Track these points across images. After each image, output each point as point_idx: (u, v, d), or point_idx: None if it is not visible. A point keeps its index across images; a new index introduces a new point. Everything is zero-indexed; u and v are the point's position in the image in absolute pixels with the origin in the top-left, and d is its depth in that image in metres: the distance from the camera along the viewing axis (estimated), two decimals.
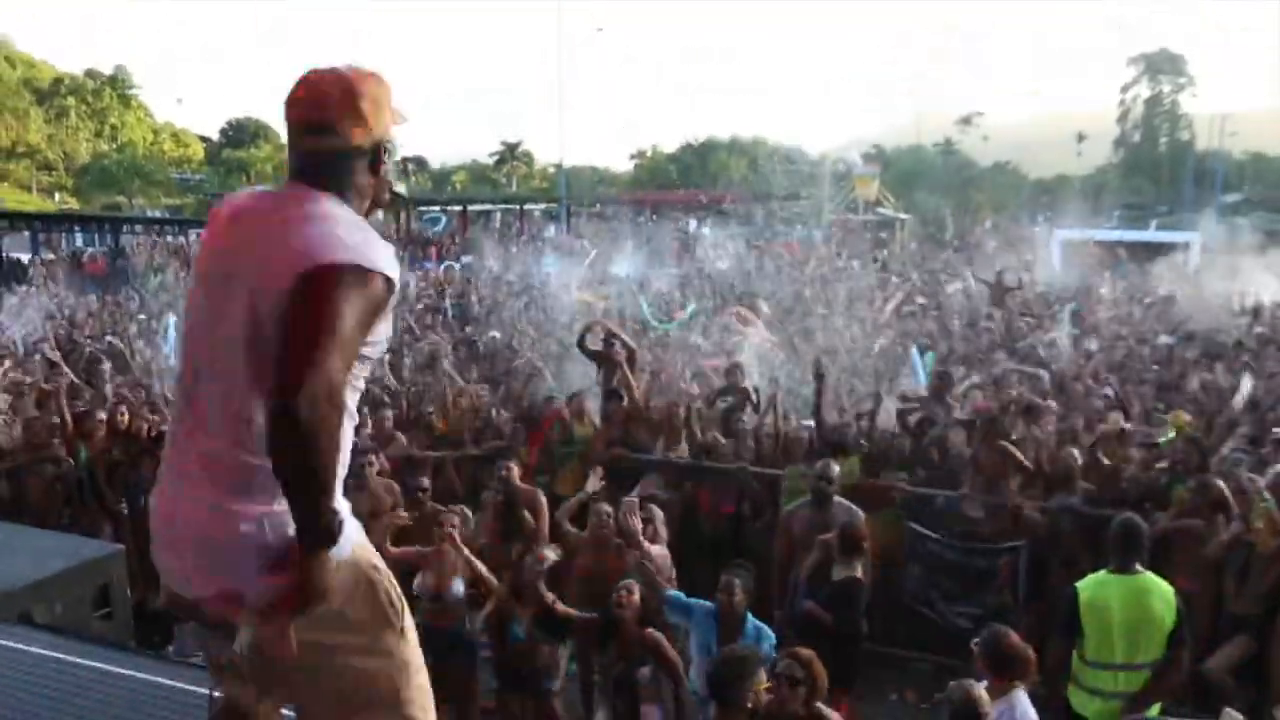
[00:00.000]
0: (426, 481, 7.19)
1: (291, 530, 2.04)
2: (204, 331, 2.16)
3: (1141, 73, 72.41)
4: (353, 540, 2.19)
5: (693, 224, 43.12)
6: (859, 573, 5.98)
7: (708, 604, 5.48)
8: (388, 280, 2.09)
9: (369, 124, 2.18)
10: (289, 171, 2.23)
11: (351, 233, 2.08)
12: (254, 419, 2.04)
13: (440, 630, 5.85)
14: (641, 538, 5.89)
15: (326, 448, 1.94)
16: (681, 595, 5.64)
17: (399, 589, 2.33)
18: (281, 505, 2.04)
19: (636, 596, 5.36)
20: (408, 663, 2.34)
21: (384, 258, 2.10)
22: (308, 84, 2.20)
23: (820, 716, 4.50)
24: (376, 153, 2.22)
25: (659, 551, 6.13)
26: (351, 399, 2.14)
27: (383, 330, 2.17)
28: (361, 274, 2.04)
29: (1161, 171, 65.10)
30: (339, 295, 1.99)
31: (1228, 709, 4.23)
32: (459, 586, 5.99)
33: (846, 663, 5.59)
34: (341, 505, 2.12)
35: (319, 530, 2.01)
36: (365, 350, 2.12)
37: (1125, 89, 72.90)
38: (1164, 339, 12.17)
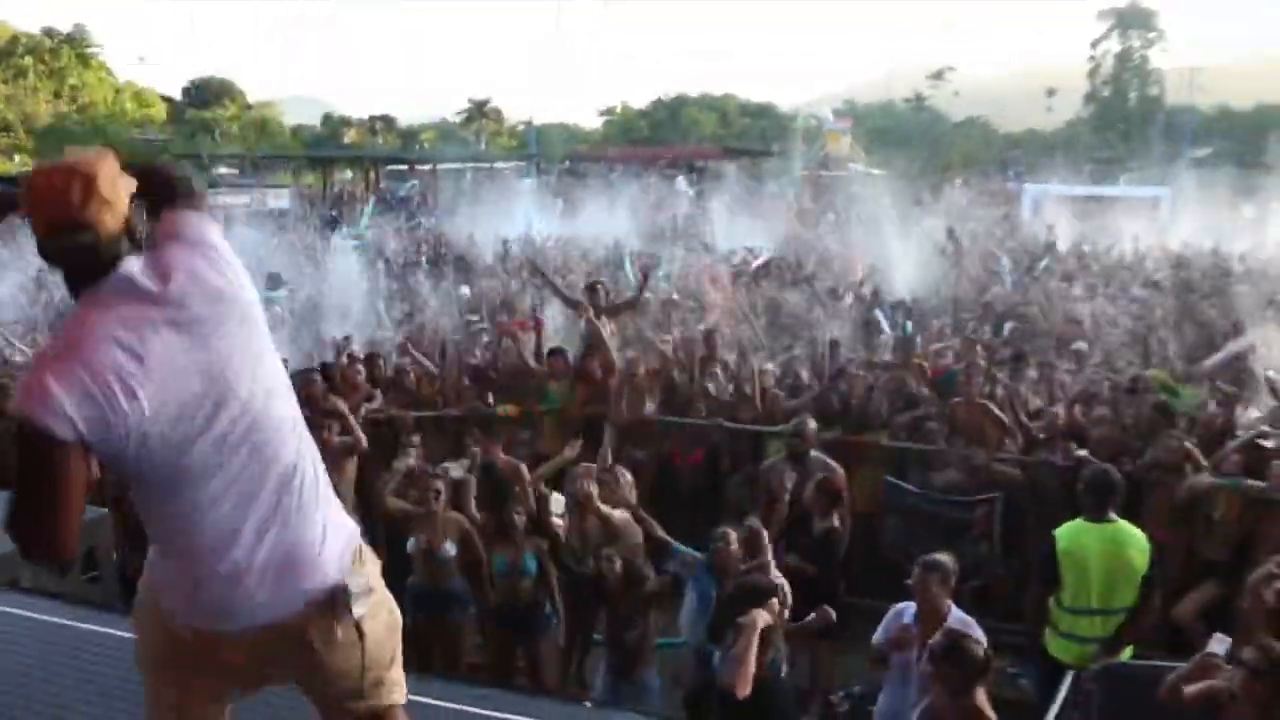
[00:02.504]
0: (417, 439, 7.25)
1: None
2: None
3: (1112, 27, 72.14)
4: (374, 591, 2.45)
5: (680, 181, 42.99)
6: (837, 523, 6.11)
7: (699, 555, 5.56)
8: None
9: (114, 206, 2.13)
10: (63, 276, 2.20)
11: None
12: None
13: (432, 589, 5.92)
14: (598, 502, 5.93)
15: None
16: (683, 547, 5.71)
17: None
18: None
19: (618, 565, 5.44)
20: (390, 625, 2.56)
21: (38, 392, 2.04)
22: (42, 187, 2.12)
23: None
24: (129, 227, 2.17)
25: (621, 516, 6.13)
26: None
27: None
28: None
29: (1131, 126, 65.21)
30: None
31: (1217, 633, 4.33)
32: (450, 547, 6.05)
33: None
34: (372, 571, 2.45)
35: None
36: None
37: (1095, 44, 72.72)
38: (1137, 292, 12.35)
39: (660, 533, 5.80)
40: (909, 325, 10.48)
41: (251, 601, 2.26)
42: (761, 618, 4.32)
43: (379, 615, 2.46)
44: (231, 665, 2.40)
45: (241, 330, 2.22)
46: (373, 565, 2.47)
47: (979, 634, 4.45)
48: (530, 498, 6.94)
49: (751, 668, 4.21)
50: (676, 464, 8.08)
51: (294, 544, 2.28)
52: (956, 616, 4.74)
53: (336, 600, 2.31)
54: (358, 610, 2.34)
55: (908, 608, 4.93)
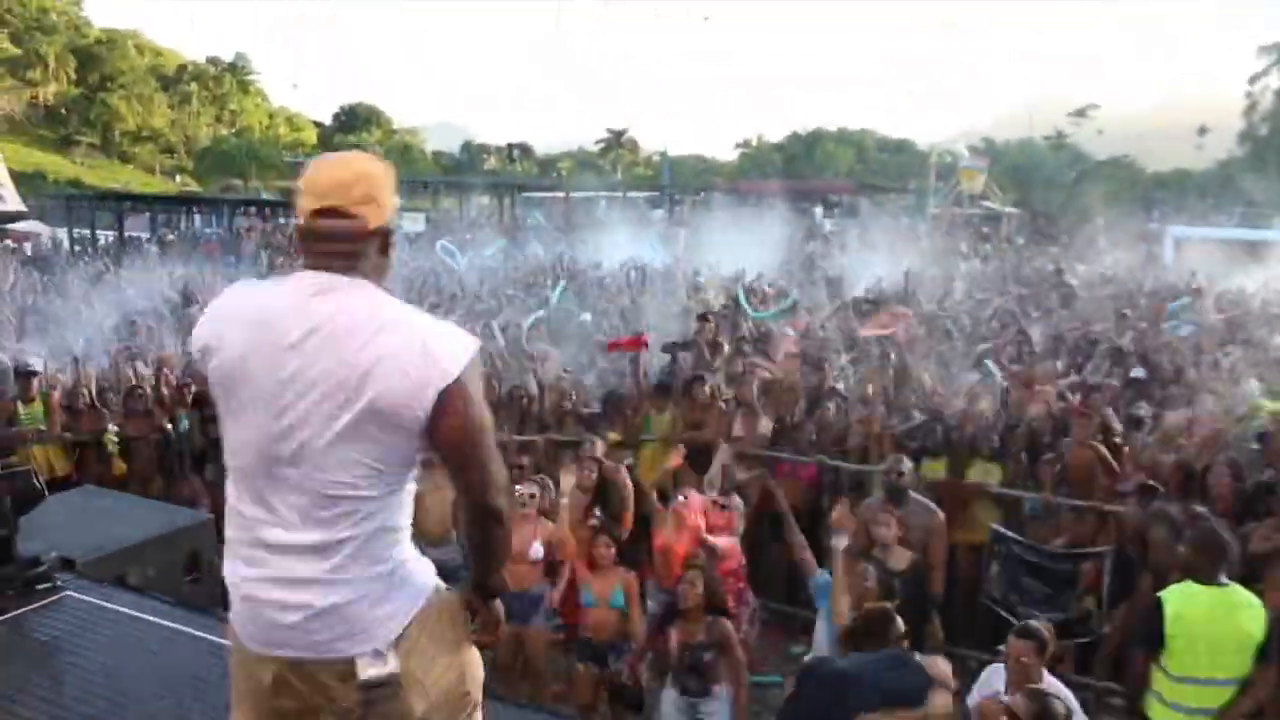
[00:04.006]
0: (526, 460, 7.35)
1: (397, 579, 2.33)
2: (282, 438, 2.22)
3: (1273, 63, 68.97)
4: (431, 581, 2.46)
5: (818, 213, 43.00)
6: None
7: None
8: (479, 346, 2.29)
9: (382, 209, 2.31)
10: (306, 257, 2.31)
11: (438, 326, 2.27)
12: (357, 504, 2.24)
13: (519, 592, 5.96)
14: (706, 534, 5.96)
15: (509, 538, 2.50)
16: (828, 575, 5.69)
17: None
18: (386, 564, 2.31)
19: (699, 588, 5.38)
20: (473, 660, 2.59)
21: (464, 332, 2.30)
22: (323, 172, 2.30)
23: None
24: (386, 236, 2.35)
25: (727, 543, 6.13)
26: None
27: None
28: (475, 365, 2.24)
29: None
30: (477, 402, 2.25)
31: None
32: (538, 549, 6.14)
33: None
34: (420, 558, 2.45)
35: (492, 588, 2.53)
36: None
37: (1253, 80, 69.59)
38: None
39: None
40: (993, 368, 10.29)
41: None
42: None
43: (438, 681, 2.43)
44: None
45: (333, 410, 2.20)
46: (435, 636, 2.42)
47: (1071, 703, 4.26)
48: (629, 506, 7.00)
49: None
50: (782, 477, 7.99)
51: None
52: (1049, 684, 4.52)
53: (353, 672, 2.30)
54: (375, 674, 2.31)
55: (998, 671, 4.72)
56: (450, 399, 2.18)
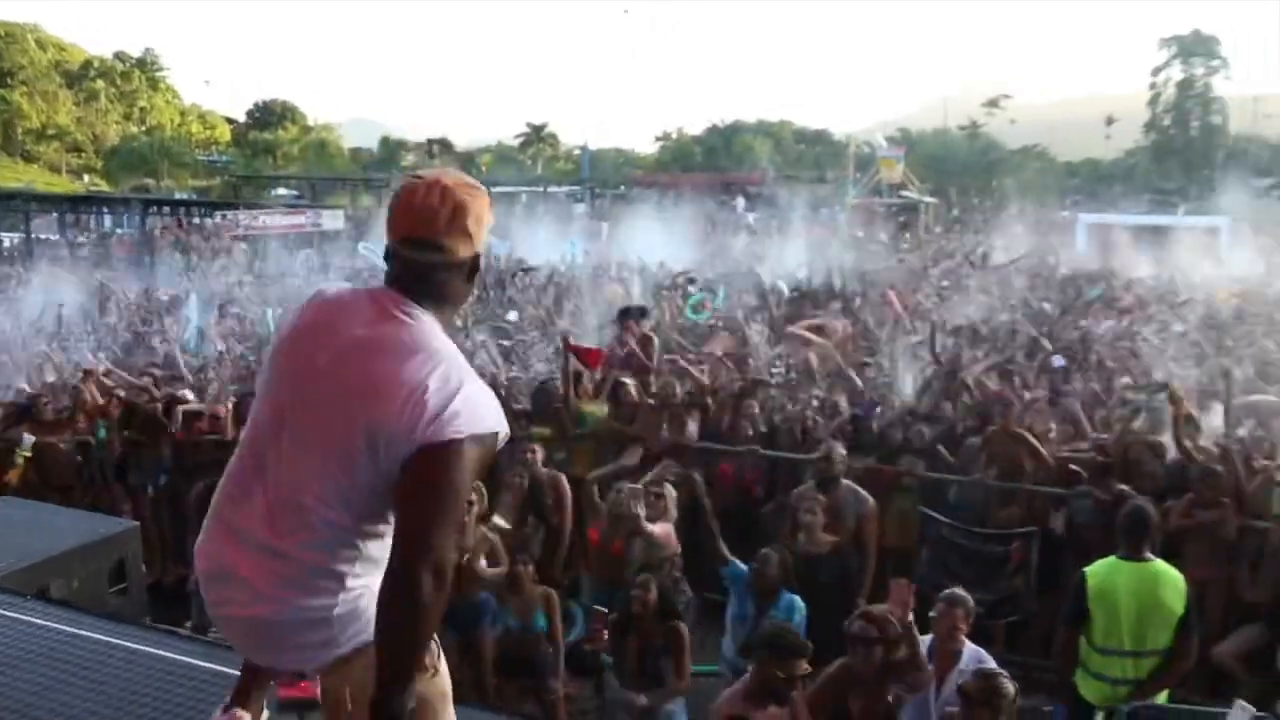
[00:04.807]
0: None
1: (340, 611, 2.17)
2: (285, 428, 2.20)
3: (1173, 55, 71.05)
4: None
5: (740, 203, 43.34)
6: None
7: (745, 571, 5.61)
8: (497, 435, 2.14)
9: (473, 240, 2.22)
10: (387, 276, 2.26)
11: (469, 390, 2.11)
12: (320, 524, 2.14)
13: (462, 602, 5.92)
14: (644, 521, 6.01)
15: (425, 627, 2.08)
16: (739, 564, 5.74)
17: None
18: (332, 596, 2.16)
19: (654, 593, 5.40)
20: (443, 694, 2.44)
21: (496, 412, 2.15)
22: (415, 197, 2.19)
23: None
24: (474, 264, 2.26)
25: (663, 530, 6.20)
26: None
27: None
28: (478, 442, 2.09)
29: (1193, 156, 64.10)
30: (456, 474, 2.07)
31: (1239, 700, 4.25)
32: (481, 561, 6.08)
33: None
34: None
35: (390, 707, 2.05)
36: None
37: (1156, 71, 71.69)
38: (1177, 327, 12.01)
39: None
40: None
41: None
42: None
43: None
44: None
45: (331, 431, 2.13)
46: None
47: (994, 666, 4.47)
48: (567, 511, 6.97)
49: None
50: (729, 485, 8.02)
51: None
52: (971, 651, 4.67)
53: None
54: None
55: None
56: (424, 457, 2.04)
